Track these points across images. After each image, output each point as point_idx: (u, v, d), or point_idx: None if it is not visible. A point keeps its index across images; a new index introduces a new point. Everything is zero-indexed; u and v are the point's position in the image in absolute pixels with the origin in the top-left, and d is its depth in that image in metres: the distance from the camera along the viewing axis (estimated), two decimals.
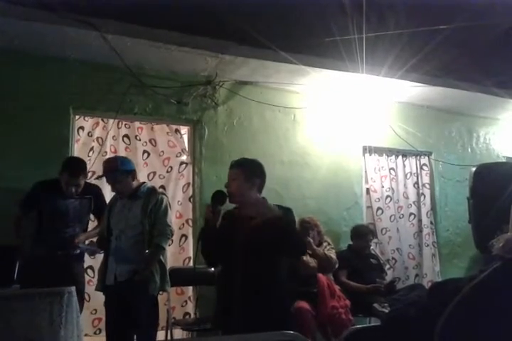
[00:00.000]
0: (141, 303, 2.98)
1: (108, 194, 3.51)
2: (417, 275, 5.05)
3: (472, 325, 1.02)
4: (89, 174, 3.84)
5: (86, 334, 3.58)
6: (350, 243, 4.44)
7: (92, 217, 3.55)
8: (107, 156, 3.95)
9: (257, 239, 2.36)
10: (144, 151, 4.27)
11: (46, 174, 3.36)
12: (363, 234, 4.38)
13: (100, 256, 3.42)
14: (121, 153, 4.15)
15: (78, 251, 3.29)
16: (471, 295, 1.03)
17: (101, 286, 3.17)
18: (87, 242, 3.38)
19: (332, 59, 4.05)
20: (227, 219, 2.53)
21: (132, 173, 3.20)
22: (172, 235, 3.22)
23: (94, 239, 3.36)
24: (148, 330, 3.05)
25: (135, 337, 3.10)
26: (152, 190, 3.23)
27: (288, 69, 4.13)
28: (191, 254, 4.16)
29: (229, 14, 3.48)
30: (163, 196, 3.24)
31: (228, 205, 2.58)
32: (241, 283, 2.33)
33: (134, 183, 3.22)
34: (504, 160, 5.63)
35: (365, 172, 5.02)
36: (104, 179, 3.31)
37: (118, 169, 3.13)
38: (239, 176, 2.51)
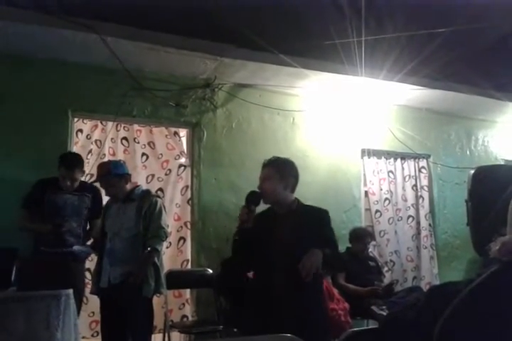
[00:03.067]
0: (135, 306, 2.98)
1: (105, 196, 3.51)
2: (415, 277, 5.04)
3: (470, 329, 1.01)
4: (88, 177, 3.84)
5: (83, 337, 3.57)
6: (349, 245, 4.44)
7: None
8: (106, 159, 3.95)
9: (295, 238, 2.32)
10: (143, 154, 4.26)
11: (45, 176, 3.36)
12: (361, 236, 4.38)
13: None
14: (120, 155, 4.15)
15: (76, 250, 3.28)
16: (469, 299, 1.03)
17: (95, 289, 3.17)
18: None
19: (331, 62, 4.06)
20: (262, 221, 2.47)
21: (125, 177, 3.22)
22: (166, 237, 3.22)
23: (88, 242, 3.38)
24: (143, 333, 3.04)
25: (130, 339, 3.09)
26: (146, 193, 3.25)
27: (287, 72, 4.13)
28: (189, 257, 4.15)
29: (228, 17, 3.49)
30: (157, 198, 3.26)
31: (262, 206, 2.53)
32: (281, 284, 2.28)
33: (128, 186, 3.24)
34: (502, 162, 5.63)
35: (364, 175, 5.02)
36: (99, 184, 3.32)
37: (110, 173, 3.16)
38: (273, 175, 2.45)
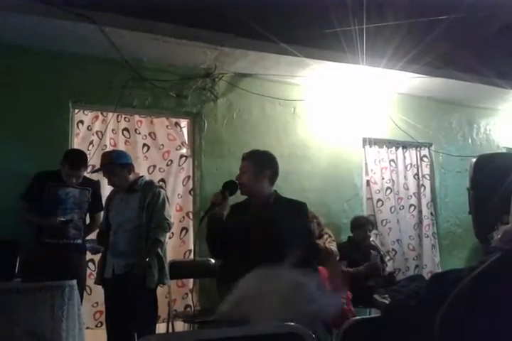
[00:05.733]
0: (138, 296, 2.99)
1: (107, 188, 3.51)
2: (417, 266, 5.06)
3: (472, 316, 1.02)
4: (89, 168, 3.84)
5: (87, 327, 3.60)
6: (351, 235, 4.46)
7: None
8: (107, 150, 3.95)
9: (271, 229, 2.37)
10: (144, 145, 4.26)
11: (47, 169, 3.36)
12: (361, 224, 4.39)
13: None
14: (121, 146, 4.14)
15: (79, 241, 3.31)
16: (471, 286, 1.04)
17: (99, 279, 3.19)
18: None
19: (332, 50, 4.03)
20: (238, 211, 2.55)
21: (128, 167, 3.22)
22: (170, 228, 3.23)
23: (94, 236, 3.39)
24: (147, 323, 3.06)
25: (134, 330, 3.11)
26: (149, 184, 3.25)
27: (288, 61, 4.10)
28: (192, 247, 4.16)
29: (228, 6, 3.45)
30: (161, 189, 3.26)
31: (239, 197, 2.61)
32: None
33: (131, 177, 3.24)
34: (504, 150, 5.62)
35: (366, 164, 5.01)
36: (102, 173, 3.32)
37: (113, 162, 3.16)
38: (249, 168, 2.53)
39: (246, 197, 2.62)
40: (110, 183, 3.26)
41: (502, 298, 1.00)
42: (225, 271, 2.58)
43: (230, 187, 2.50)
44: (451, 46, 4.03)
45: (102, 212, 3.40)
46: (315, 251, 2.63)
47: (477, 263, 1.09)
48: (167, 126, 4.34)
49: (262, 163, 2.54)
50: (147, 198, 3.14)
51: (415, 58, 4.11)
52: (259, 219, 2.43)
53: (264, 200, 2.53)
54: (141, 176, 3.39)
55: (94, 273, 3.56)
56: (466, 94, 5.13)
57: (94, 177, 3.53)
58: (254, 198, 2.56)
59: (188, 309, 4.06)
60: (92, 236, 3.49)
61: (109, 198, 3.32)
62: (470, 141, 5.58)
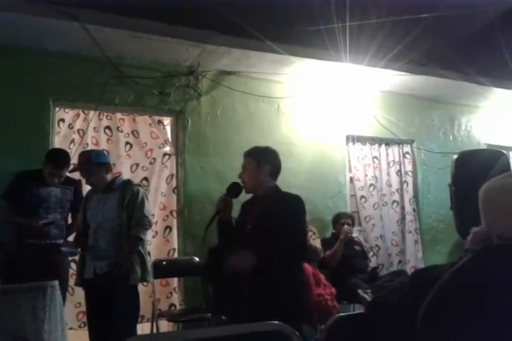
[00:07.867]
0: (121, 294, 2.97)
1: (88, 188, 3.48)
2: (400, 261, 5.12)
3: (454, 311, 1.03)
4: (71, 167, 3.80)
5: (71, 328, 3.56)
6: (334, 231, 4.49)
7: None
8: (89, 148, 3.91)
9: (264, 226, 2.40)
10: (127, 143, 4.21)
11: (27, 168, 3.32)
12: (338, 218, 4.47)
13: None
14: (103, 145, 4.10)
15: (61, 241, 3.27)
16: (451, 282, 1.05)
17: (80, 280, 3.16)
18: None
19: (316, 48, 4.04)
20: (243, 207, 2.60)
21: (106, 166, 3.20)
22: (150, 226, 3.22)
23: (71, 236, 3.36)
24: (129, 321, 3.04)
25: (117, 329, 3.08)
26: (127, 182, 3.23)
27: (271, 59, 4.10)
28: (176, 246, 4.15)
29: (211, 3, 3.43)
30: (139, 188, 3.24)
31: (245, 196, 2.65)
32: (252, 270, 2.32)
33: (109, 176, 3.21)
34: (485, 147, 5.70)
35: (349, 161, 5.04)
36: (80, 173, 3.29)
37: (91, 161, 3.13)
38: (249, 165, 2.57)
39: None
40: (88, 182, 3.25)
41: (482, 293, 1.02)
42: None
43: (234, 190, 2.54)
44: (434, 44, 4.06)
45: None
46: (303, 243, 2.61)
47: (457, 258, 1.10)
48: (150, 124, 4.30)
49: (260, 159, 2.57)
50: (126, 197, 3.11)
51: (398, 56, 4.14)
52: (253, 212, 2.47)
53: (263, 194, 2.55)
54: (119, 175, 3.37)
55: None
56: (447, 92, 5.19)
57: (75, 176, 3.49)
58: (258, 193, 2.58)
59: (173, 308, 4.04)
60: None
61: (86, 198, 3.28)
62: (451, 137, 5.65)
